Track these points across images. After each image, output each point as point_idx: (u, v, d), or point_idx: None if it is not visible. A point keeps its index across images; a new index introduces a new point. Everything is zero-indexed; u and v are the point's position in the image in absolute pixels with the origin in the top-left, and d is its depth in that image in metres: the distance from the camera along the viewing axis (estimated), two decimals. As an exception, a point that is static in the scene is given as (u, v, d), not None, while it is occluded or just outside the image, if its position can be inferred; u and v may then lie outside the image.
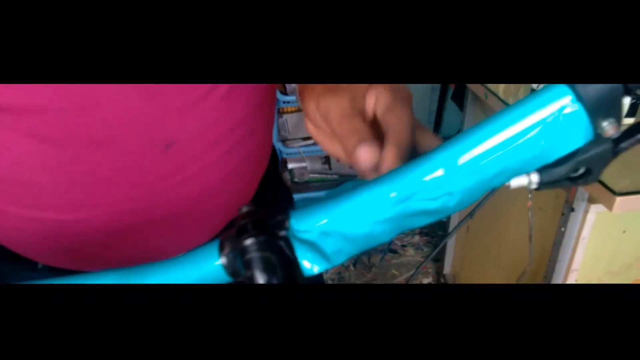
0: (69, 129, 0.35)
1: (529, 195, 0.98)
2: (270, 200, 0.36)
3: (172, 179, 0.40)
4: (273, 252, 0.26)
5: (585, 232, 0.89)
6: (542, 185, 0.33)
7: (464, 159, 0.27)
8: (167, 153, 0.38)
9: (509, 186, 0.33)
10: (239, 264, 0.26)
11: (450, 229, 1.52)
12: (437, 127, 2.11)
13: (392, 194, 0.27)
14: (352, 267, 1.75)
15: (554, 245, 0.95)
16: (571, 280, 0.95)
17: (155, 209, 0.41)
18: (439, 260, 1.72)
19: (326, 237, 0.27)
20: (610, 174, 0.81)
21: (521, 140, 0.27)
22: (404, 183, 0.27)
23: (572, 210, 0.89)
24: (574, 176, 0.32)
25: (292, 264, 0.26)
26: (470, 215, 0.95)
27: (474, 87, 1.23)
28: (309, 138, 1.78)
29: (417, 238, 1.89)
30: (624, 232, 0.92)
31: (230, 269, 0.27)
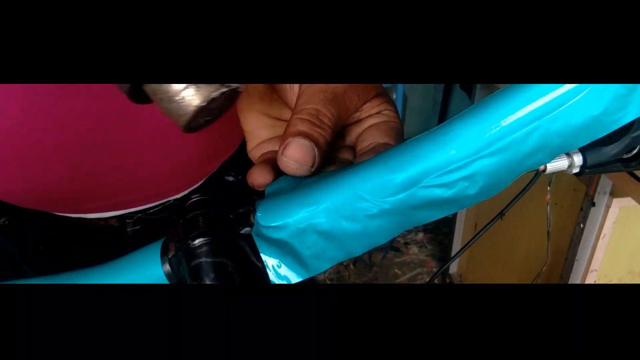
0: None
1: (548, 188, 0.90)
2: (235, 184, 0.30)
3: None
4: (229, 257, 0.19)
5: (607, 228, 0.82)
6: (586, 168, 0.26)
7: (492, 130, 0.20)
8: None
9: (544, 170, 0.26)
10: (185, 271, 0.20)
11: (457, 226, 1.45)
12: (442, 116, 2.04)
13: (394, 178, 0.20)
14: (352, 266, 1.68)
15: (572, 243, 0.88)
16: (590, 281, 0.88)
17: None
18: (444, 259, 1.66)
19: (303, 236, 0.20)
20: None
21: (566, 105, 0.20)
22: (409, 163, 0.20)
23: (593, 204, 0.82)
24: (627, 157, 0.25)
25: (256, 273, 0.19)
26: (501, 215, 0.83)
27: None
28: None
29: (420, 235, 1.81)
30: (648, 228, 0.85)
31: (175, 279, 0.21)
